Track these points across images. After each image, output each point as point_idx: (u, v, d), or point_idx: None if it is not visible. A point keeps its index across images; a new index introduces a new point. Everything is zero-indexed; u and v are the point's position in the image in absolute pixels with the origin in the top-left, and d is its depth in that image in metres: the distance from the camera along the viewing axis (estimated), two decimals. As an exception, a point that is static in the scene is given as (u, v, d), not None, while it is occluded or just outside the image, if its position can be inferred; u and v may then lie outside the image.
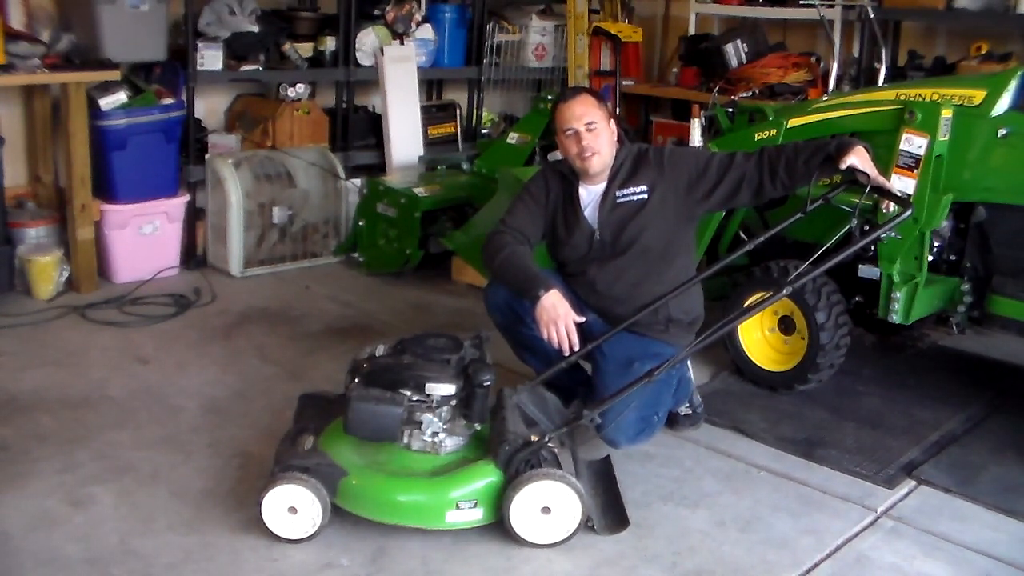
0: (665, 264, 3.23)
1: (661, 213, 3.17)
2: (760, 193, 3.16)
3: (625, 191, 3.18)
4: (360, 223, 5.10)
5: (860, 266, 3.63)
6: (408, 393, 2.76)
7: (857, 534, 2.92)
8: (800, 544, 2.85)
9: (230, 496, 2.92)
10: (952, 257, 3.70)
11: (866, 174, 2.99)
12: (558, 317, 2.96)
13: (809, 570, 2.74)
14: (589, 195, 3.23)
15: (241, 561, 2.62)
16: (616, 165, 3.20)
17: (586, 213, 3.22)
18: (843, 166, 2.98)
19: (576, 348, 3.00)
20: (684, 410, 3.46)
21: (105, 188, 4.61)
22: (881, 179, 3.05)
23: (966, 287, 3.63)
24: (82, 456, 3.11)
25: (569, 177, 3.26)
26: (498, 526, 2.73)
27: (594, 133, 3.12)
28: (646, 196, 3.17)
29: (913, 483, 3.21)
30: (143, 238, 4.75)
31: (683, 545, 2.81)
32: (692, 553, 2.77)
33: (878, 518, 3.01)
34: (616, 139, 3.21)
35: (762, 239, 3.33)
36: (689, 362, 3.42)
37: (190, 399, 3.56)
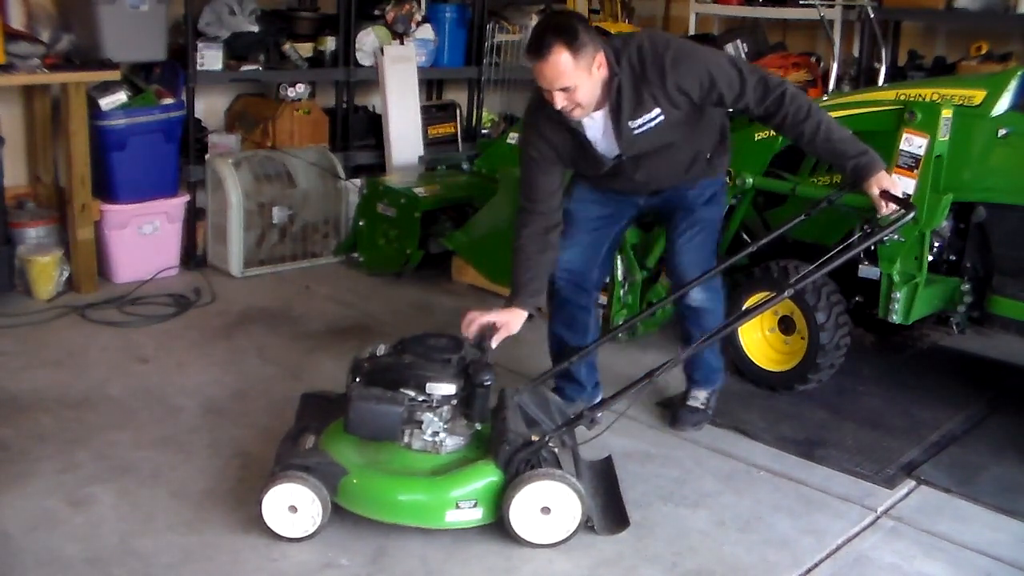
0: (698, 131, 3.12)
1: (680, 116, 2.99)
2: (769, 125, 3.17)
3: (639, 121, 2.95)
4: (360, 223, 5.09)
5: (860, 266, 3.63)
6: (409, 392, 2.76)
7: (857, 534, 2.92)
8: (800, 544, 2.85)
9: (230, 496, 2.91)
10: (952, 257, 3.70)
11: (905, 199, 3.00)
12: (502, 322, 2.95)
13: (809, 570, 2.74)
14: (594, 125, 2.99)
15: (241, 561, 2.62)
16: (613, 95, 2.92)
17: (600, 148, 3.02)
18: (873, 192, 2.95)
19: (471, 336, 2.93)
20: (695, 401, 3.44)
21: (105, 188, 4.61)
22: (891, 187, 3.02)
23: (966, 287, 3.63)
24: (82, 456, 3.11)
25: (563, 120, 2.96)
26: (498, 526, 2.73)
27: (570, 93, 2.83)
28: (662, 116, 2.96)
29: (913, 483, 3.21)
30: (143, 238, 4.75)
31: (683, 545, 2.81)
32: (692, 553, 2.77)
33: (878, 518, 3.01)
34: (606, 74, 2.88)
35: (764, 241, 3.32)
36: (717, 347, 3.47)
37: (190, 399, 3.56)
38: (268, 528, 2.69)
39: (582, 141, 3.01)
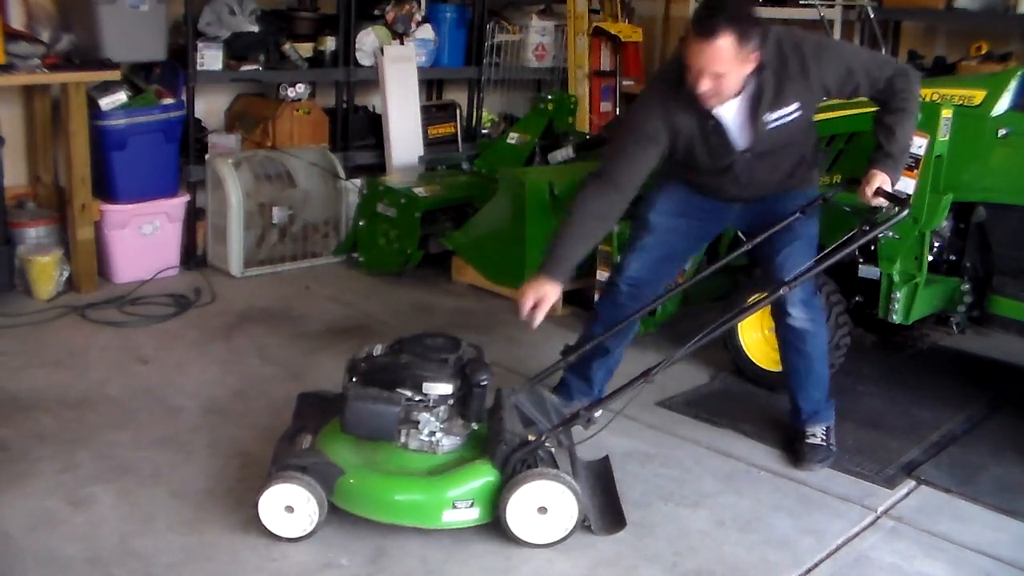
0: (806, 137, 3.12)
1: (812, 113, 3.03)
2: None
3: (776, 115, 2.90)
4: (360, 223, 5.10)
5: (860, 266, 3.64)
6: (406, 392, 2.76)
7: (857, 534, 2.92)
8: (800, 544, 2.85)
9: (230, 496, 2.91)
10: (952, 257, 3.70)
11: (900, 196, 2.99)
12: (538, 297, 2.85)
13: (809, 570, 2.74)
14: (727, 114, 2.92)
15: (241, 561, 2.62)
16: (754, 86, 2.86)
17: (731, 137, 2.94)
18: (870, 183, 2.92)
19: (531, 323, 2.87)
20: (815, 438, 3.29)
21: (105, 188, 4.61)
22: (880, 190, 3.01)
23: (966, 287, 3.64)
24: (82, 456, 3.11)
25: (699, 107, 2.87)
26: (497, 526, 2.73)
27: (718, 81, 2.76)
28: (799, 112, 2.93)
29: (913, 483, 3.21)
30: (143, 238, 4.75)
31: (683, 545, 2.81)
32: (692, 553, 2.77)
33: (878, 518, 3.01)
34: (753, 66, 2.81)
35: (761, 238, 3.31)
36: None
37: (190, 399, 3.56)
38: (267, 528, 2.69)
39: (714, 129, 2.93)
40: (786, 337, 3.26)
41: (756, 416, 3.61)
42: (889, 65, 3.00)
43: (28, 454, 3.10)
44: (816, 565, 2.76)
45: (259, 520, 2.69)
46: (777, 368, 3.78)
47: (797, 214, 3.11)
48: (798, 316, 3.17)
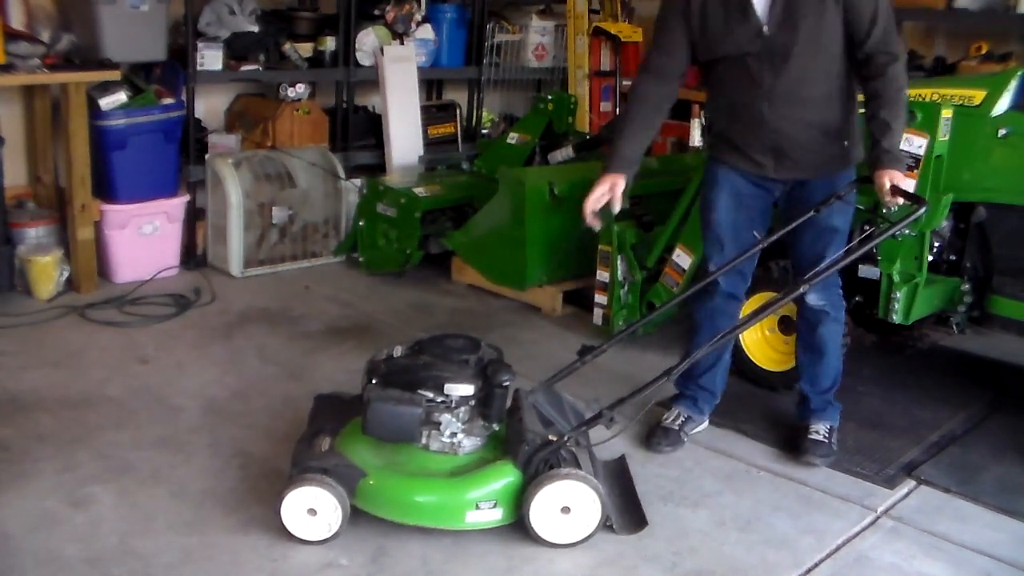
0: (834, 82, 3.05)
1: (830, 22, 3.01)
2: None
3: None
4: (360, 223, 5.09)
5: (860, 266, 3.64)
6: (427, 394, 2.75)
7: (857, 534, 2.92)
8: (800, 544, 2.85)
9: (230, 496, 2.91)
10: (952, 257, 3.70)
11: (915, 194, 3.01)
12: (610, 184, 3.02)
13: (809, 570, 2.74)
14: None
15: (241, 561, 2.62)
16: None
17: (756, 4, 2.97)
18: (884, 182, 2.93)
19: (593, 222, 3.05)
20: (817, 435, 3.32)
21: (105, 188, 4.61)
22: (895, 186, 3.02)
23: (966, 287, 3.64)
24: (82, 456, 3.11)
25: None
26: (500, 526, 2.73)
27: None
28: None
29: (913, 483, 3.21)
30: (143, 238, 4.75)
31: (683, 545, 2.81)
32: (692, 553, 2.78)
33: (878, 518, 3.01)
34: None
35: (776, 236, 3.28)
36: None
37: (190, 399, 3.56)
38: (269, 528, 2.69)
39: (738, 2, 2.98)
40: (803, 315, 3.31)
41: (756, 416, 3.61)
42: (897, 45, 2.98)
43: (28, 454, 3.10)
44: (816, 565, 2.76)
45: (261, 520, 2.69)
46: (777, 368, 3.80)
47: (812, 212, 3.11)
48: (812, 298, 3.18)
